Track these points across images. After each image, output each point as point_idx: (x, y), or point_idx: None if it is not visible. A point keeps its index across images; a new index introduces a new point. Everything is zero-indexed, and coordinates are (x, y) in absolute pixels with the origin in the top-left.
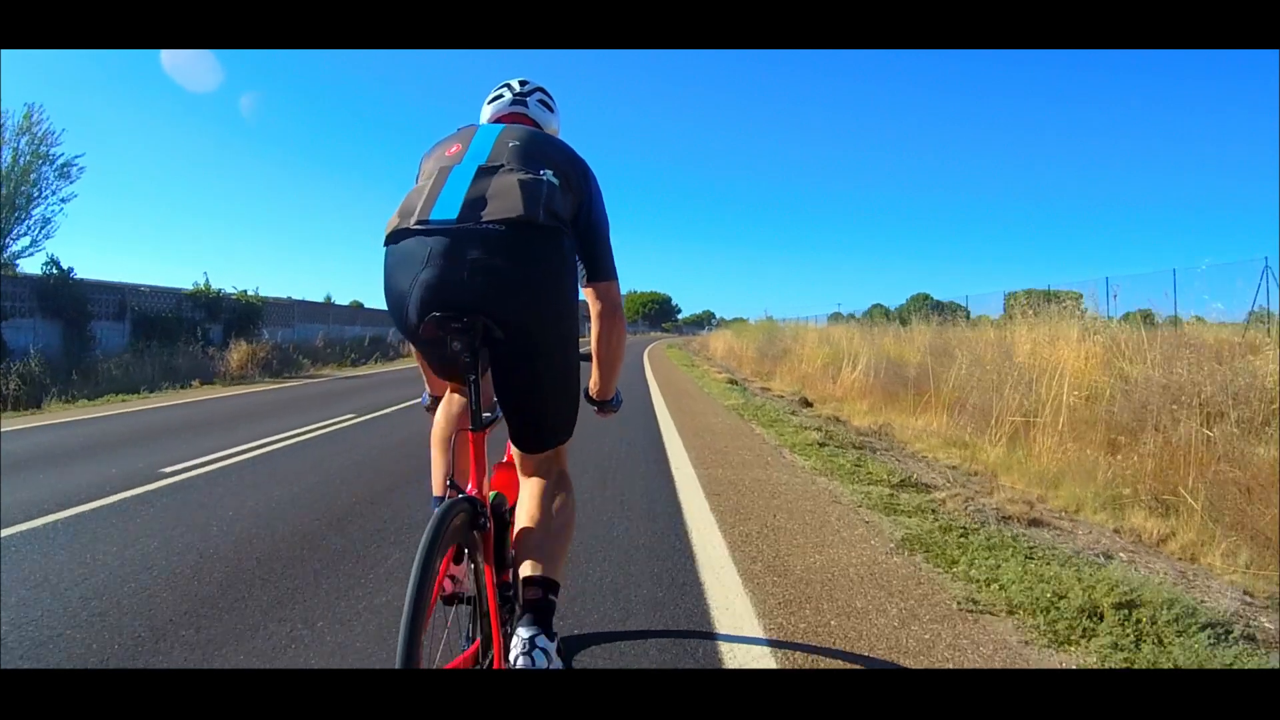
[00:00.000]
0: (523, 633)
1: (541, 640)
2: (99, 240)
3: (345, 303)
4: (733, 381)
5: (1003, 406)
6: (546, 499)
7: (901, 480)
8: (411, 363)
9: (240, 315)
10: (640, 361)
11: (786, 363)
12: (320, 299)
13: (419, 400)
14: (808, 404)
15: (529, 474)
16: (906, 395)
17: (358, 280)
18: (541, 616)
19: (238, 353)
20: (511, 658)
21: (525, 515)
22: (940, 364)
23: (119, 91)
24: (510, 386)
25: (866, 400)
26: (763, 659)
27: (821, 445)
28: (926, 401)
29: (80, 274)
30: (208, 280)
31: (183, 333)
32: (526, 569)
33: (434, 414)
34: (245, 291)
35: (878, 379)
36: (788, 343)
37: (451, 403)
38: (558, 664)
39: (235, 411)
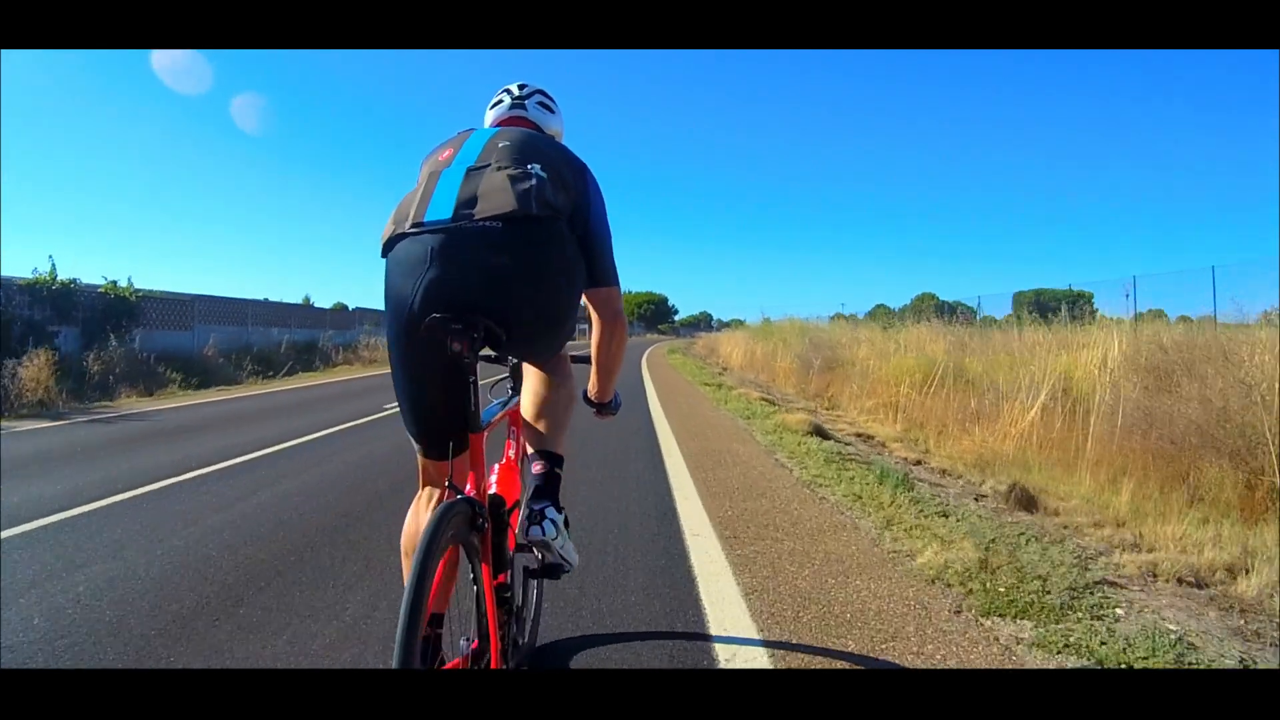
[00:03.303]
0: (532, 504)
1: (550, 511)
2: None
3: (328, 305)
4: (819, 434)
5: None
6: (547, 381)
7: None
8: (308, 382)
9: (105, 314)
10: (639, 377)
11: (849, 378)
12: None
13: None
14: (1028, 503)
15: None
16: (1230, 474)
17: (344, 283)
18: (549, 489)
19: (30, 369)
20: (520, 529)
21: (528, 397)
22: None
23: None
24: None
25: (1112, 473)
26: (759, 659)
27: None
28: None
29: None
30: (53, 268)
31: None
32: (533, 443)
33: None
34: (114, 283)
35: (1105, 425)
36: (842, 350)
37: (422, 506)
38: (564, 533)
39: None
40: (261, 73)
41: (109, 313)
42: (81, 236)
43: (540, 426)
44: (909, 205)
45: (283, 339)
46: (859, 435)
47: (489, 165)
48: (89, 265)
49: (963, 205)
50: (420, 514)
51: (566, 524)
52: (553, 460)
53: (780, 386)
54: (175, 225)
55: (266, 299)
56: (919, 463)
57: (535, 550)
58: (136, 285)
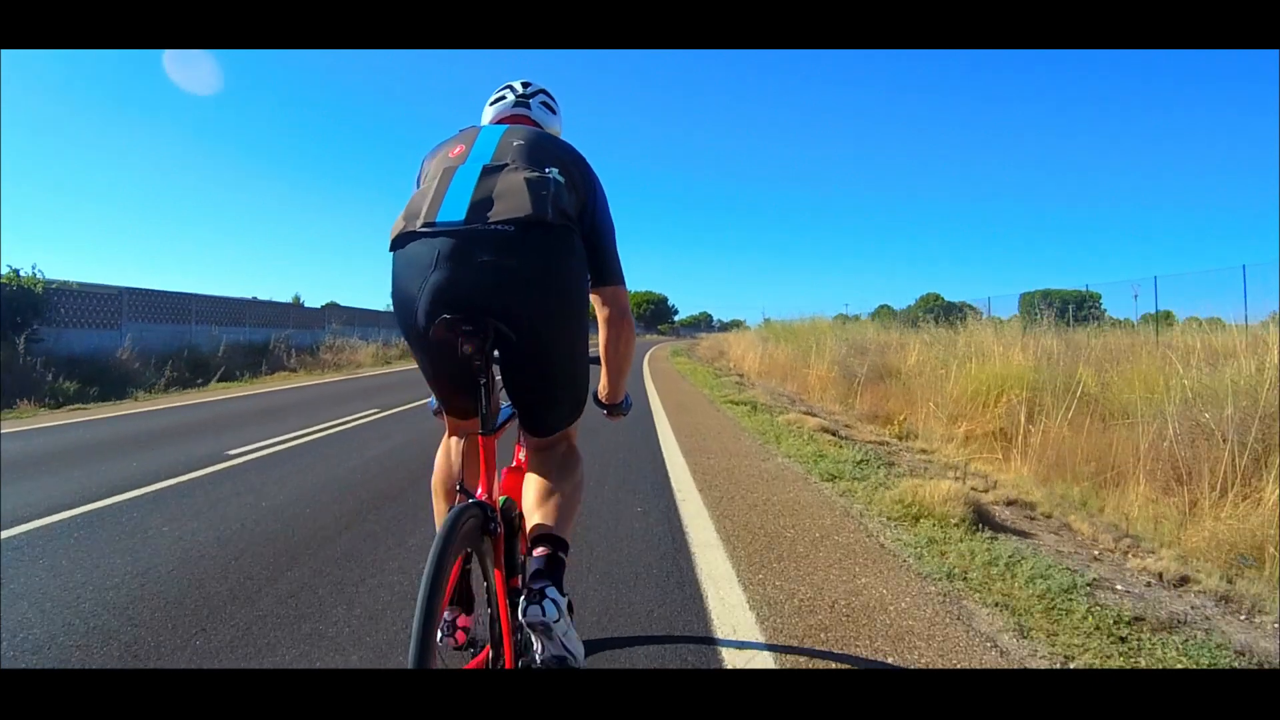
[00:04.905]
0: (533, 584)
1: (552, 591)
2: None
3: (318, 304)
4: (986, 523)
5: None
6: (555, 466)
7: None
8: (218, 395)
9: (6, 310)
10: (643, 391)
11: (913, 393)
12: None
13: None
14: None
15: (537, 449)
16: None
17: (349, 283)
18: (551, 570)
19: None
20: (520, 609)
21: (534, 482)
22: None
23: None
24: (520, 383)
25: None
26: (760, 659)
27: None
28: None
29: None
30: None
31: None
32: (535, 528)
33: (443, 418)
34: (16, 272)
35: None
36: (892, 355)
37: (451, 449)
38: (567, 619)
39: None
40: (259, 71)
41: (10, 308)
42: (81, 238)
43: (543, 513)
44: (907, 207)
45: (221, 340)
46: (1011, 503)
47: (506, 165)
48: (90, 269)
49: (961, 206)
50: (450, 454)
51: (571, 609)
52: (556, 544)
53: (818, 401)
54: (178, 228)
55: (256, 297)
56: (1182, 582)
57: (535, 638)
58: (49, 275)
